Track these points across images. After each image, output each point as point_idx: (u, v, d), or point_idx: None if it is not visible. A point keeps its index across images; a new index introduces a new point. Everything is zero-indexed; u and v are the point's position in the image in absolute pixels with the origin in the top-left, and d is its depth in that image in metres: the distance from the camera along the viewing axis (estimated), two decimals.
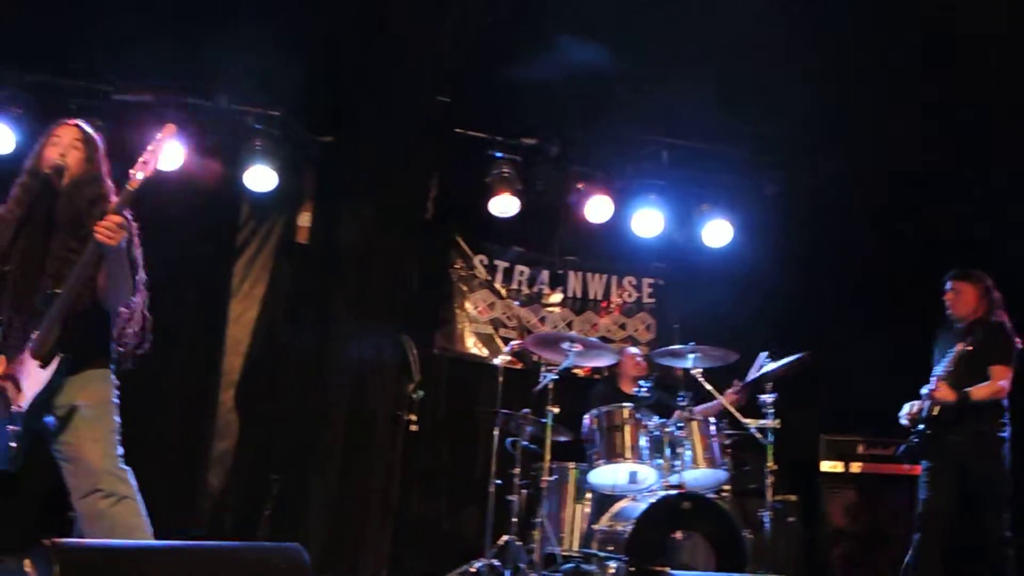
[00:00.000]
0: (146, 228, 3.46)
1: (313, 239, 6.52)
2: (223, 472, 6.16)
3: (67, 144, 3.35)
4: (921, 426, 4.86)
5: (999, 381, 4.69)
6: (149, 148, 3.19)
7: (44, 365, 3.04)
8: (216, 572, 2.41)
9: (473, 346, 6.94)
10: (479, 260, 7.09)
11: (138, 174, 3.13)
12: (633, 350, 6.20)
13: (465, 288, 7.02)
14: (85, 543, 2.21)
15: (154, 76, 5.94)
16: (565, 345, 5.16)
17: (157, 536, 3.18)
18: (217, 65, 5.83)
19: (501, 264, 7.15)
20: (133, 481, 3.23)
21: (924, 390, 4.80)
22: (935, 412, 4.77)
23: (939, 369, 4.80)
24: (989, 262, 5.09)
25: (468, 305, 7.00)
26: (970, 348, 4.68)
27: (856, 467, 6.08)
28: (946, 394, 4.70)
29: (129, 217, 3.36)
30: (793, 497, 6.01)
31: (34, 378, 3.02)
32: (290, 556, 2.56)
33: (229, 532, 5.91)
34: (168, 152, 3.28)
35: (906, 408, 4.95)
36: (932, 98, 5.42)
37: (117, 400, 3.33)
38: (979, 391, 4.67)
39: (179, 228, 6.12)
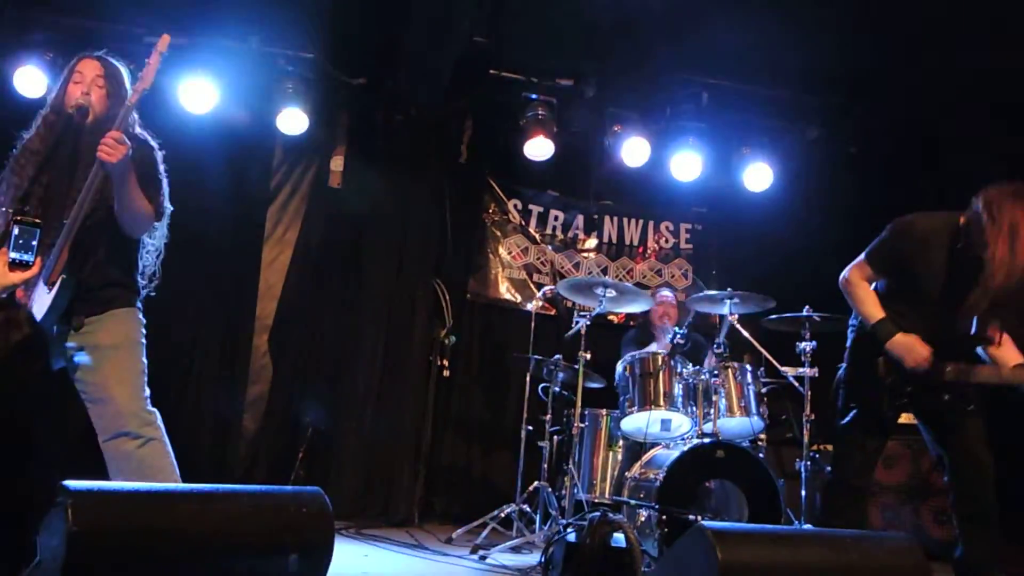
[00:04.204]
0: (179, 172, 3.46)
1: (346, 183, 6.46)
2: (258, 416, 6.20)
3: (90, 81, 3.32)
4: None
5: None
6: (148, 61, 3.12)
7: (50, 288, 3.03)
8: (237, 516, 2.39)
9: (506, 292, 6.89)
10: (513, 205, 7.01)
11: (135, 88, 3.10)
12: (666, 293, 6.08)
13: (499, 233, 6.95)
14: (100, 486, 2.18)
15: (186, 18, 5.86)
16: (599, 290, 5.07)
17: (195, 478, 3.18)
18: (249, 6, 5.74)
19: (535, 209, 7.07)
20: (160, 423, 3.22)
21: None
22: None
23: None
24: None
25: (502, 250, 6.93)
26: None
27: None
28: None
29: (150, 138, 3.35)
30: (830, 447, 5.92)
31: (41, 302, 3.01)
32: (312, 500, 2.53)
33: (264, 475, 5.96)
34: (161, 62, 3.20)
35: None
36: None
37: (144, 340, 3.31)
38: None
39: (212, 172, 6.13)
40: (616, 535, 3.09)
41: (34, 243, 2.83)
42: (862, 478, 3.80)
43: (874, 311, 3.62)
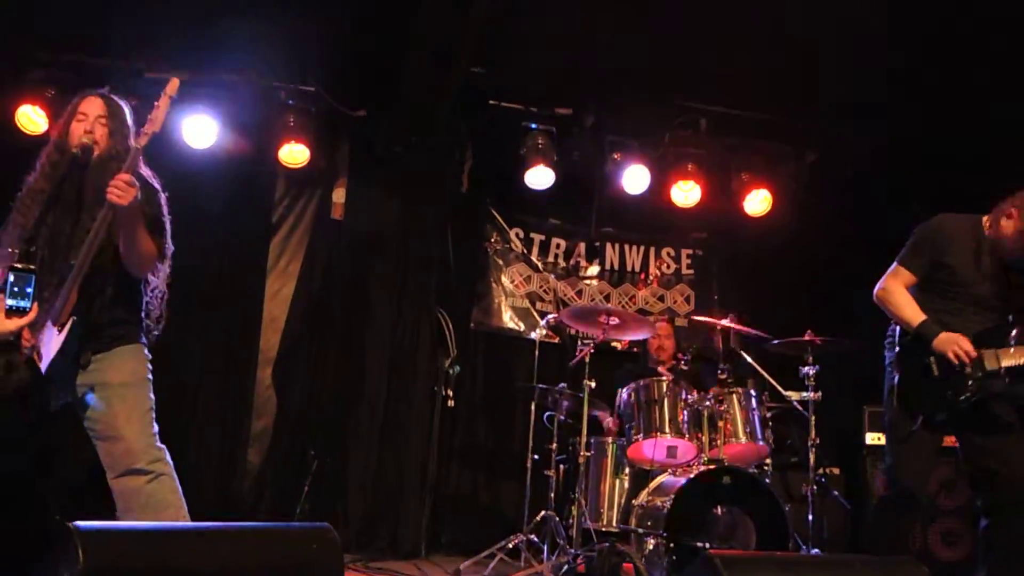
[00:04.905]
0: (183, 206, 3.46)
1: (348, 215, 6.49)
2: (262, 449, 6.17)
3: (93, 120, 3.32)
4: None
5: None
6: (156, 104, 3.14)
7: (60, 330, 3.03)
8: (245, 554, 2.38)
9: (510, 320, 6.90)
10: (515, 233, 7.03)
11: (145, 131, 3.10)
12: (659, 324, 6.05)
13: (501, 262, 6.97)
14: (109, 526, 2.18)
15: (187, 54, 5.91)
16: (602, 318, 5.08)
17: (199, 514, 3.19)
18: (249, 41, 5.78)
19: (537, 237, 7.09)
20: (169, 459, 3.21)
21: None
22: None
23: None
24: None
25: (504, 279, 6.95)
26: None
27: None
28: None
29: (155, 181, 3.35)
30: (836, 470, 5.92)
31: (52, 344, 3.01)
32: (320, 536, 2.52)
33: (269, 509, 5.93)
34: (171, 107, 3.21)
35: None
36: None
37: (151, 376, 3.31)
38: None
39: (215, 206, 6.16)
40: (625, 566, 3.08)
41: (29, 289, 2.83)
42: (922, 485, 3.86)
43: (915, 315, 3.75)
